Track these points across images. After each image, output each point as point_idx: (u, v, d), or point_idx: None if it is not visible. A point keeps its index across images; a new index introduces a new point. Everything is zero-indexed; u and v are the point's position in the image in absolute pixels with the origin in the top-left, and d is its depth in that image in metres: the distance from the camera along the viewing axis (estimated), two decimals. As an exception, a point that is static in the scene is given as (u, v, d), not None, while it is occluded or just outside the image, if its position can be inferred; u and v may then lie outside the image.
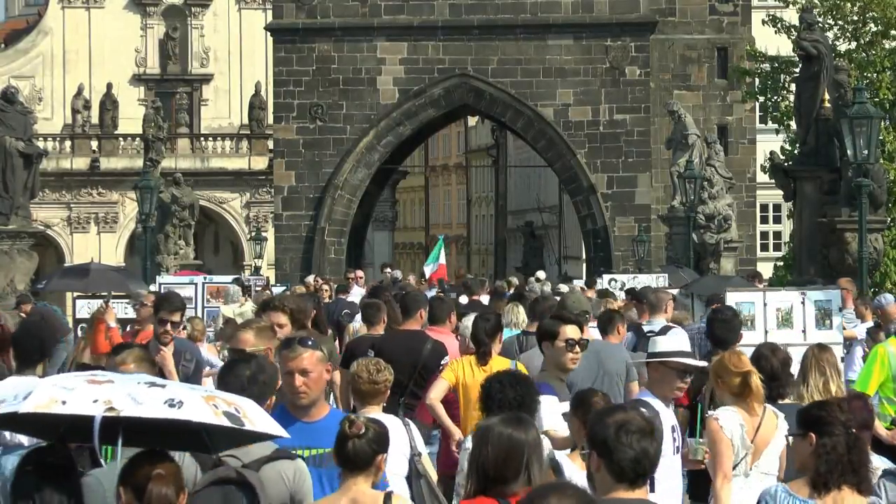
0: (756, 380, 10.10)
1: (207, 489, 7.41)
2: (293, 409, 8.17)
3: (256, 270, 53.02)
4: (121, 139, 71.60)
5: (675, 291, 24.62)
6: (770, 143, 44.28)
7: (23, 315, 23.11)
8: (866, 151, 25.81)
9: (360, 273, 34.66)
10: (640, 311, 18.26)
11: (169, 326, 13.03)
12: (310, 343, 8.63)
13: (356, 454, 7.20)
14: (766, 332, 18.30)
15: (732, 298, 19.51)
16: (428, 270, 46.06)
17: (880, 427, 11.48)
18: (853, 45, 41.78)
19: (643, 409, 7.29)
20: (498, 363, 11.94)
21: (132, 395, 6.75)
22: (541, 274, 37.19)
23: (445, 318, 14.95)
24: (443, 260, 48.99)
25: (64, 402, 6.69)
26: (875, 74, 39.78)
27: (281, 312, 12.10)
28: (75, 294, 29.01)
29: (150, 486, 6.29)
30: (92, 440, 6.68)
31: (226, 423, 6.79)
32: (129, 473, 6.45)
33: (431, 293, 26.21)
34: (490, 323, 12.75)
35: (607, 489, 6.23)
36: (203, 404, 6.81)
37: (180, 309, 13.50)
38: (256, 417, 6.97)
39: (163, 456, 6.66)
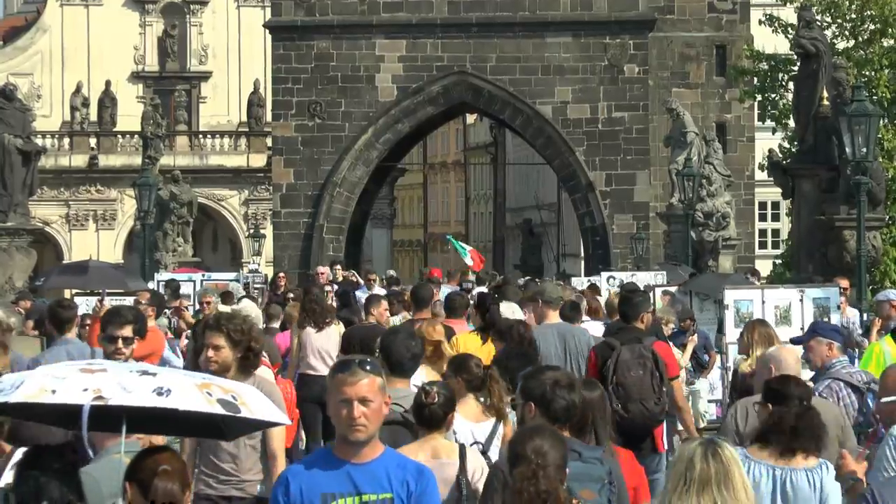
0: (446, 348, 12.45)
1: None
2: (343, 445, 6.79)
3: (255, 268, 53.16)
4: (119, 136, 71.74)
5: (673, 289, 24.81)
6: (768, 140, 44.46)
7: (20, 312, 23.32)
8: (865, 149, 25.84)
9: (320, 269, 35.13)
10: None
11: (120, 343, 12.08)
12: (368, 367, 7.25)
13: (432, 417, 8.62)
14: None
15: (731, 296, 19.76)
16: (469, 262, 46.47)
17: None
18: (851, 43, 41.90)
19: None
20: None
21: (122, 383, 6.79)
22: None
23: (462, 312, 16.88)
24: (469, 250, 49.45)
25: (54, 392, 6.75)
26: (873, 72, 39.93)
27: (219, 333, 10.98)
28: (74, 291, 29.02)
29: (156, 481, 6.32)
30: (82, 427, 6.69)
31: (220, 410, 6.82)
32: (136, 469, 6.48)
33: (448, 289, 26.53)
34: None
35: None
36: (195, 392, 6.83)
37: (131, 323, 12.52)
38: (256, 404, 7.01)
39: (169, 452, 6.68)
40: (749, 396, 10.78)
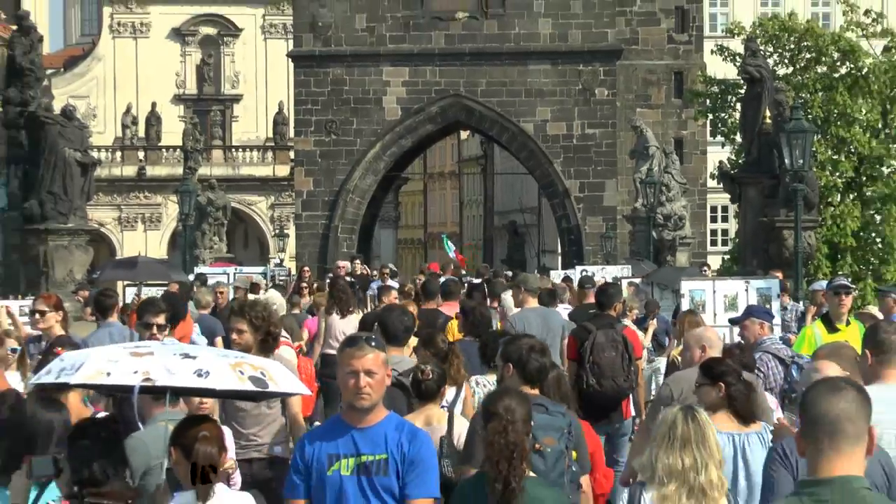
0: None
1: None
2: (350, 411, 6.70)
3: (280, 263, 53.20)
4: (164, 150, 71.65)
5: (637, 280, 25.08)
6: (719, 153, 44.55)
7: (79, 300, 23.46)
8: (801, 161, 25.90)
9: (340, 263, 34.95)
10: (583, 295, 18.59)
11: (155, 329, 12.16)
12: (374, 343, 7.18)
13: (427, 391, 8.78)
14: (714, 315, 18.46)
15: (686, 286, 19.89)
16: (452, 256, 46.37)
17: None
18: (790, 69, 41.84)
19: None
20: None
21: (167, 366, 6.86)
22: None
23: (456, 297, 17.28)
24: (453, 249, 49.33)
25: (108, 374, 6.84)
26: (808, 95, 39.87)
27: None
28: (125, 283, 29.14)
29: (197, 445, 6.39)
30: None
31: (250, 387, 6.89)
32: (179, 435, 6.55)
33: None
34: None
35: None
36: (229, 372, 6.89)
37: (164, 311, 12.65)
38: (281, 378, 7.07)
39: (208, 420, 6.84)
40: (678, 371, 10.97)
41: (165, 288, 23.80)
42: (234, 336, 10.58)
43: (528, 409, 7.25)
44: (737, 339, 14.46)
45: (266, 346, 10.02)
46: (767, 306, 17.91)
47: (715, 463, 7.03)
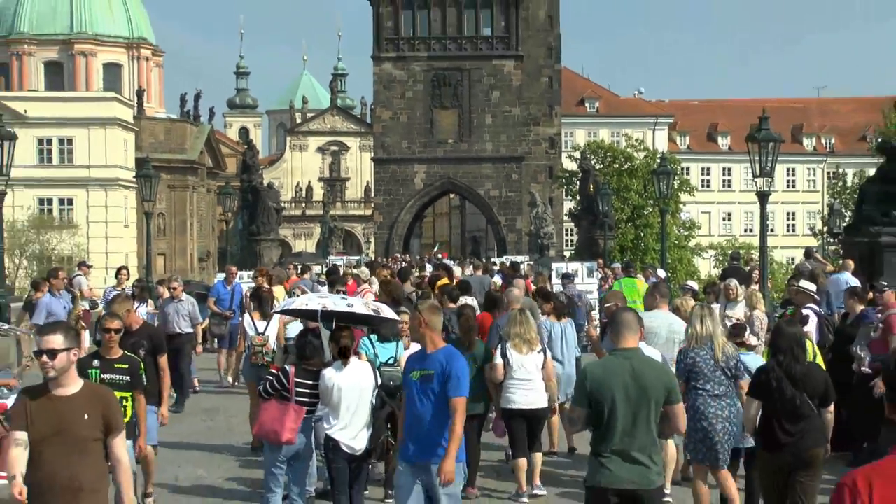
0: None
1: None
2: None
3: (367, 255, 53.13)
4: (307, 202, 71.58)
5: (532, 262, 24.51)
6: (569, 203, 44.20)
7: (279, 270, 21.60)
8: (606, 207, 27.08)
9: (397, 256, 34.22)
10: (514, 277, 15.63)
11: (342, 286, 9.99)
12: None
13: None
14: (574, 276, 16.29)
15: (554, 266, 19.10)
16: (438, 252, 46.54)
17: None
18: (601, 165, 41.79)
19: None
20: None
21: (335, 303, 6.59)
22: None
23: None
24: (442, 251, 49.75)
25: (306, 304, 6.64)
26: (610, 177, 39.41)
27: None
28: (297, 264, 28.46)
29: (341, 338, 5.89)
30: (319, 321, 6.52)
31: (372, 313, 6.51)
32: (333, 335, 6.02)
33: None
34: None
35: None
36: (362, 306, 6.63)
37: (332, 275, 11.00)
38: (386, 311, 6.64)
39: (347, 328, 6.05)
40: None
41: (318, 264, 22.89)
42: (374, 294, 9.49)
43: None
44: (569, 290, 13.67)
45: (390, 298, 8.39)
46: (591, 274, 17.60)
47: (534, 331, 7.02)
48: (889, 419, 2.21)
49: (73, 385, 3.58)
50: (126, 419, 5.07)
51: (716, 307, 7.91)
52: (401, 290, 9.10)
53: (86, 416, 3.52)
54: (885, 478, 1.91)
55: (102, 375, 5.41)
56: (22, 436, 3.48)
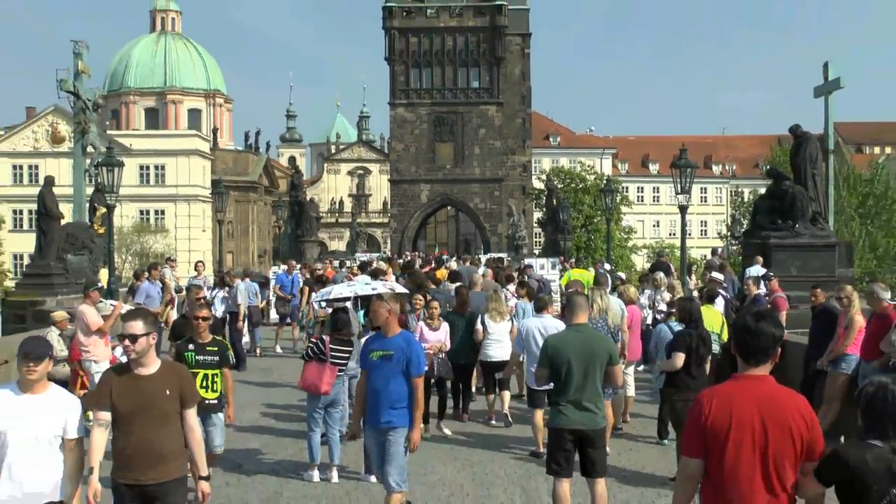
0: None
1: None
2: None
3: (385, 252, 52.15)
4: (338, 213, 69.66)
5: (509, 258, 24.01)
6: (537, 213, 43.11)
7: (317, 265, 19.30)
8: (566, 218, 26.27)
9: (408, 254, 32.79)
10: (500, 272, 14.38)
11: (381, 276, 9.05)
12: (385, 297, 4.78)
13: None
14: (538, 270, 15.51)
15: (527, 261, 18.20)
16: (437, 252, 46.10)
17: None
18: (561, 186, 41.00)
19: None
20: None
21: (362, 289, 6.52)
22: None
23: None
24: (441, 251, 49.23)
25: (341, 293, 6.36)
26: (570, 195, 39.00)
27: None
28: (332, 259, 27.95)
29: (372, 306, 4.94)
30: (349, 301, 6.25)
31: (387, 290, 6.24)
32: (367, 312, 5.71)
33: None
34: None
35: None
36: (382, 287, 6.53)
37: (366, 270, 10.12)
38: (399, 289, 6.58)
39: (381, 296, 4.72)
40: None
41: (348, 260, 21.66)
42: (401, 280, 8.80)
43: None
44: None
45: (414, 284, 7.91)
46: (554, 267, 16.57)
47: (503, 305, 7.07)
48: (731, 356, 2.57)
49: (153, 365, 3.22)
50: (216, 394, 4.71)
51: (647, 292, 8.17)
52: (422, 277, 9.16)
53: (167, 392, 3.16)
54: (719, 396, 2.35)
55: (197, 357, 5.01)
56: (105, 415, 3.10)
